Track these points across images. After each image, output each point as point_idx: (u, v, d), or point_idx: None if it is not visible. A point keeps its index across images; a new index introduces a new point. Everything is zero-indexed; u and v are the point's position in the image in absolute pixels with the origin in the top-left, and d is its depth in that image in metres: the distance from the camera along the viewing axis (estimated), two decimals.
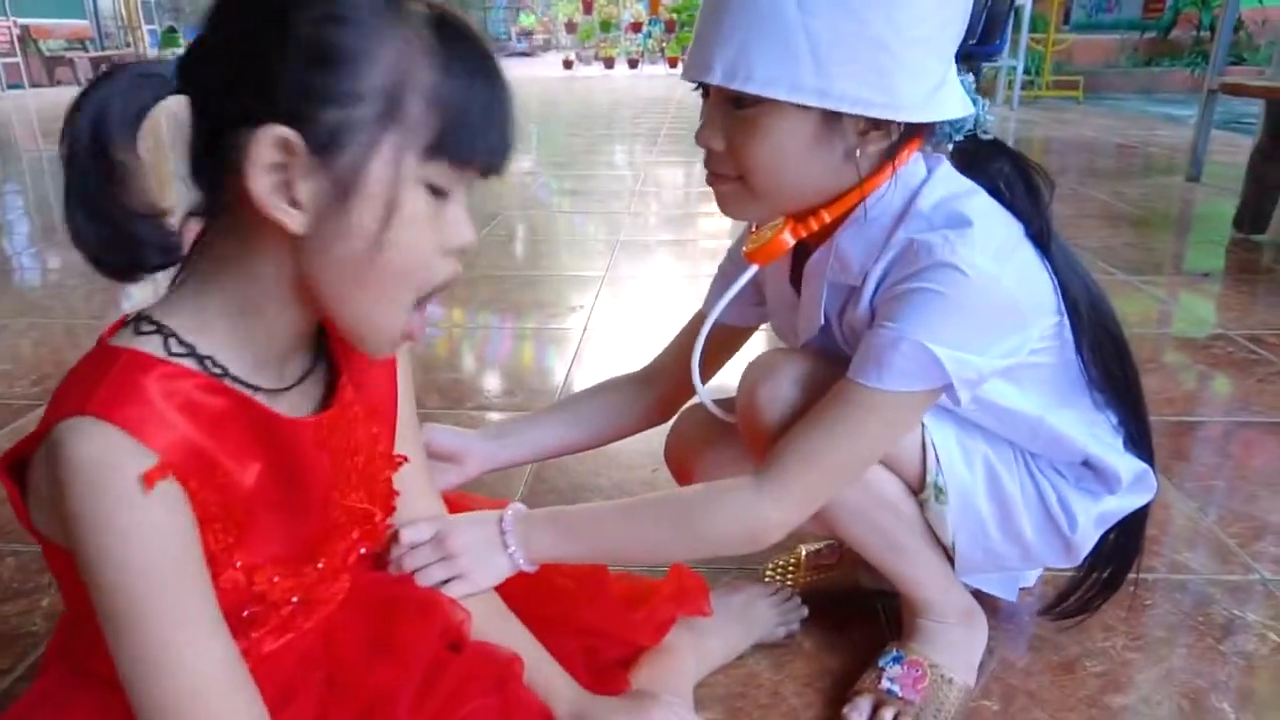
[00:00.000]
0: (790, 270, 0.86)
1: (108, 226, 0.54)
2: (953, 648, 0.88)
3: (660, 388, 1.01)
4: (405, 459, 0.74)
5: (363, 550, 0.70)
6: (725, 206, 0.79)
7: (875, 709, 0.84)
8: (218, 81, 0.52)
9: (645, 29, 14.39)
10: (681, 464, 1.02)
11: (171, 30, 11.49)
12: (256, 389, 0.58)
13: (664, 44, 14.04)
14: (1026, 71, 7.25)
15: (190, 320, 0.56)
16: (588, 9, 14.36)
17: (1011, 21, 6.10)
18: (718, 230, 3.10)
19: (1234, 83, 3.03)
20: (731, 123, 0.72)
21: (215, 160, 0.52)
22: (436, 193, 0.55)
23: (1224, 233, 2.79)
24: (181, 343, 0.55)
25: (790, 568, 1.07)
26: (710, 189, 0.80)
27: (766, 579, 1.04)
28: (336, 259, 0.54)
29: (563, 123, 6.74)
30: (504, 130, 0.56)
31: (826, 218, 0.76)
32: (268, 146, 0.50)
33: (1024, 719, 0.85)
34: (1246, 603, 1.01)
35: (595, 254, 2.67)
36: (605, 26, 14.35)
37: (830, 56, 0.66)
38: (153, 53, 11.66)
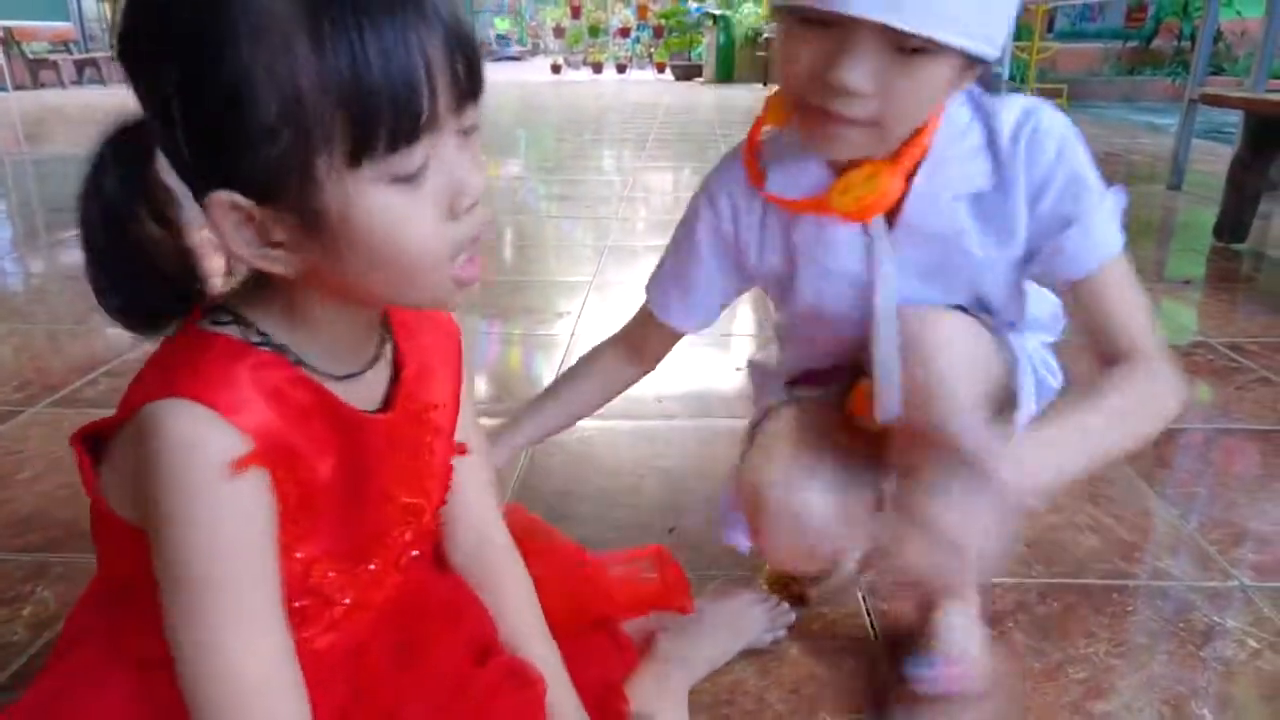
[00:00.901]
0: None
1: (135, 291, 0.54)
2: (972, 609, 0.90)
3: (648, 363, 1.03)
4: (464, 448, 0.73)
5: (415, 553, 0.70)
6: (837, 149, 0.73)
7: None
8: (161, 143, 0.52)
9: (633, 34, 14.43)
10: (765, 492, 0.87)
11: None
12: (329, 376, 0.58)
13: (652, 49, 14.08)
14: (1011, 79, 7.31)
15: (262, 314, 0.56)
16: (576, 14, 14.39)
17: None
18: None
19: (1214, 94, 3.07)
20: (890, 66, 0.66)
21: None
22: (404, 179, 0.51)
23: (1204, 241, 2.83)
24: (259, 332, 0.55)
25: (788, 579, 1.04)
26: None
27: (763, 589, 1.03)
28: (348, 271, 0.53)
29: (551, 127, 6.74)
30: (446, 67, 0.50)
31: (925, 142, 0.75)
32: (221, 213, 0.49)
33: None
34: (1226, 609, 1.03)
35: (583, 259, 2.67)
36: (593, 31, 14.38)
37: (1003, 3, 0.67)
38: None
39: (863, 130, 0.69)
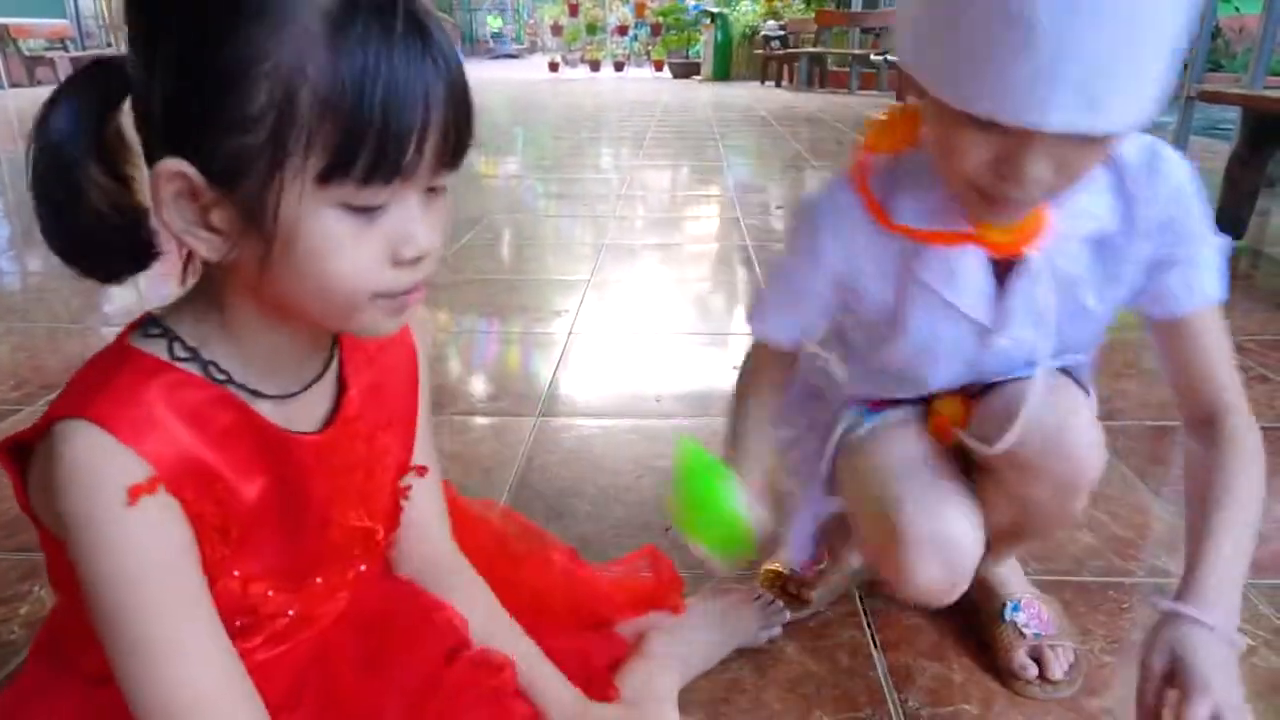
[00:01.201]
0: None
1: (74, 235, 0.53)
2: (1020, 575, 1.00)
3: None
4: (423, 470, 0.73)
5: (363, 567, 0.69)
6: (1010, 220, 0.72)
7: (1037, 657, 0.90)
8: (134, 97, 0.51)
9: (631, 32, 14.42)
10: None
11: None
12: (259, 395, 0.57)
13: (650, 47, 14.07)
14: None
15: (194, 326, 0.56)
16: (573, 12, 14.38)
17: None
18: (704, 234, 3.12)
19: (1211, 90, 3.07)
20: (1071, 151, 0.63)
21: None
22: (361, 210, 0.51)
23: None
24: (186, 347, 0.55)
25: (785, 577, 1.04)
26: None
27: (761, 587, 1.02)
28: (272, 277, 0.52)
29: (548, 126, 6.74)
30: (440, 127, 0.50)
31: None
32: (165, 179, 0.49)
33: None
34: None
35: (581, 258, 2.67)
36: (591, 29, 14.37)
37: (1167, 74, 0.62)
38: None
39: (1038, 204, 0.70)
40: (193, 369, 0.55)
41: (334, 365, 0.64)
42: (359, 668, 0.66)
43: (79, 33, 11.27)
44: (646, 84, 11.34)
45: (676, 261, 2.66)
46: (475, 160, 4.65)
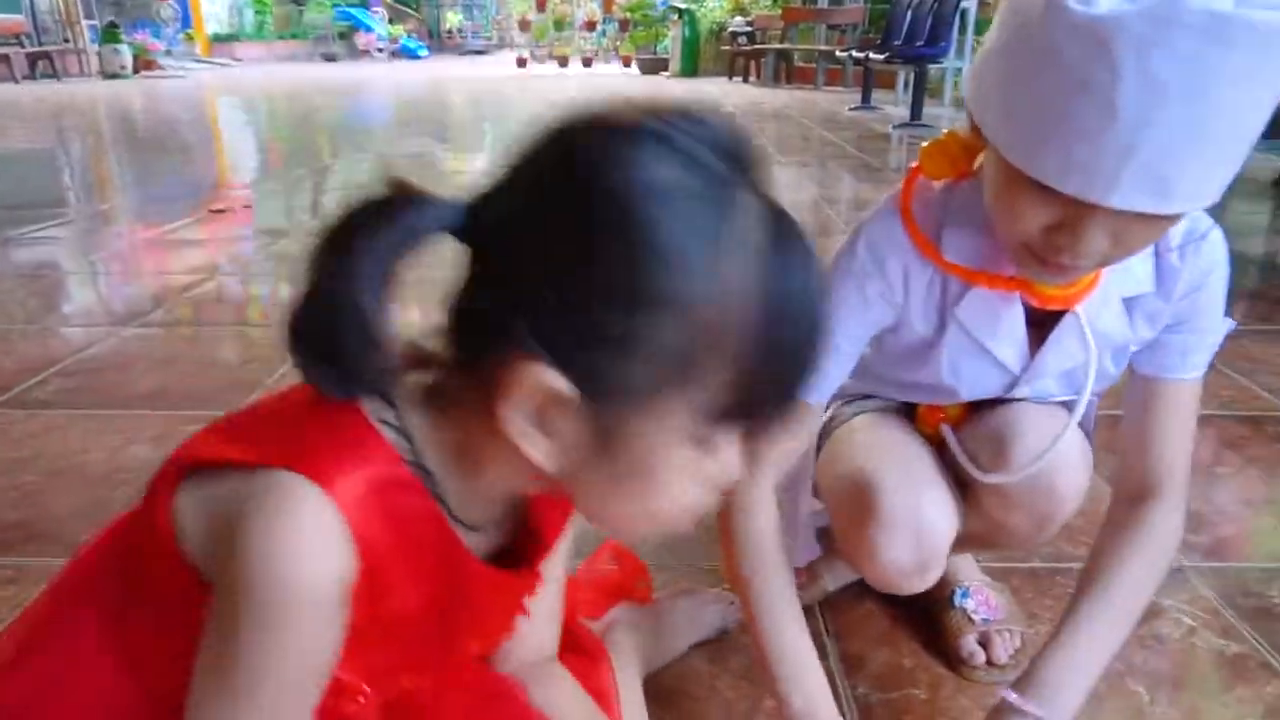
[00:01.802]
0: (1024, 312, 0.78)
1: (331, 361, 0.47)
2: (970, 562, 1.02)
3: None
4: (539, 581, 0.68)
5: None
6: (1062, 279, 0.70)
7: (985, 642, 0.93)
8: (501, 263, 0.45)
9: (599, 28, 14.39)
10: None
11: (113, 26, 11.21)
12: (454, 517, 0.52)
13: (618, 42, 14.05)
14: None
15: (423, 429, 0.50)
16: (541, 7, 14.33)
17: (957, 24, 6.23)
18: None
19: None
20: (1130, 225, 0.61)
21: (478, 335, 0.46)
22: (706, 444, 0.47)
23: None
24: (413, 450, 0.50)
25: None
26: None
27: (725, 587, 1.02)
28: (586, 486, 0.49)
29: (517, 121, 6.71)
30: (804, 378, 0.47)
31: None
32: (525, 379, 0.43)
33: (951, 705, 0.88)
34: (1166, 589, 1.05)
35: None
36: (559, 25, 14.33)
37: (1236, 160, 0.60)
38: (93, 48, 11.39)
39: (1091, 271, 0.69)
40: (414, 471, 0.50)
41: (518, 505, 0.59)
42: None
43: (34, 29, 11.04)
44: (615, 80, 11.33)
45: None
46: (443, 157, 4.63)
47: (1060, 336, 0.76)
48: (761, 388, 0.45)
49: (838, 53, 8.44)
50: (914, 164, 0.75)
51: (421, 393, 0.51)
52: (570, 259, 0.42)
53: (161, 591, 0.51)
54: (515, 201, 0.46)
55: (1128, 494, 0.82)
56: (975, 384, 0.80)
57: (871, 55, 6.35)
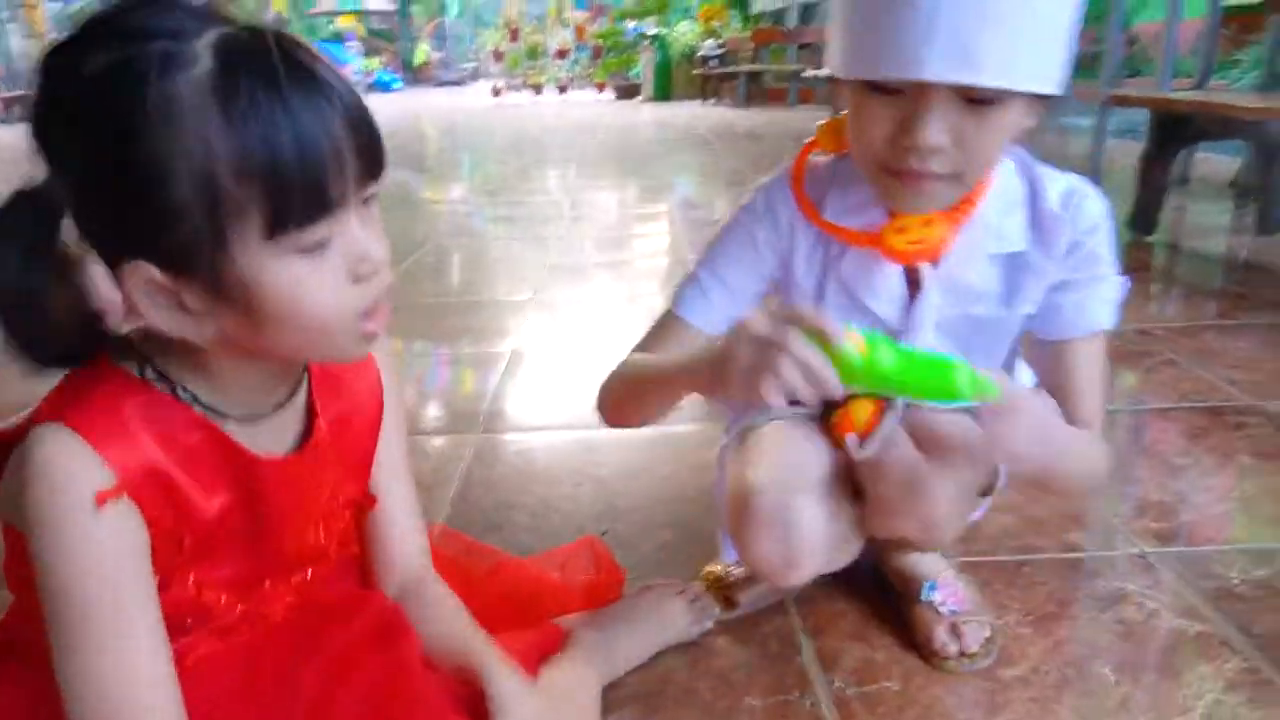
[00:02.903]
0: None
1: (40, 347, 0.56)
2: (935, 556, 1.04)
3: None
4: (373, 501, 0.76)
5: (309, 573, 0.73)
6: (923, 201, 0.78)
7: (954, 632, 0.94)
8: (74, 213, 0.54)
9: (572, 55, 14.50)
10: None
11: None
12: (227, 417, 0.61)
13: (591, 70, 14.17)
14: None
15: (163, 351, 0.59)
16: (514, 37, 14.44)
17: None
18: (650, 251, 3.17)
19: (1121, 94, 3.21)
20: (964, 119, 0.71)
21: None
22: (312, 249, 0.54)
23: (1122, 234, 2.95)
24: (157, 370, 0.59)
25: (725, 579, 1.05)
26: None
27: (700, 587, 1.04)
28: (259, 334, 0.57)
29: (493, 150, 6.77)
30: (349, 148, 0.54)
31: (969, 204, 0.81)
32: (134, 283, 0.53)
33: (922, 695, 0.91)
34: (1128, 575, 1.09)
35: (527, 279, 2.70)
36: (532, 54, 14.43)
37: (1064, 44, 0.71)
38: None
39: (944, 183, 0.75)
40: (164, 389, 0.59)
41: (302, 392, 0.68)
42: (300, 656, 0.68)
43: (8, 73, 11.05)
44: (589, 106, 11.42)
45: (623, 278, 2.70)
46: (420, 186, 4.66)
47: (926, 290, 0.83)
48: (283, 195, 0.52)
49: (808, 72, 8.56)
50: (809, 139, 0.86)
51: (142, 333, 0.59)
52: (91, 176, 0.52)
53: (20, 575, 0.60)
54: (52, 155, 0.54)
55: None
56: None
57: None
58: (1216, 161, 4.10)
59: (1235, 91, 4.04)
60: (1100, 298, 0.85)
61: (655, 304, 2.43)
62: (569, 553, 1.05)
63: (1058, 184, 0.84)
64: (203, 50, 0.51)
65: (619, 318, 2.30)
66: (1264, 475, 1.33)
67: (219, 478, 0.61)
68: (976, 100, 0.70)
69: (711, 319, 0.90)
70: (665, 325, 0.93)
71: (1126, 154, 3.54)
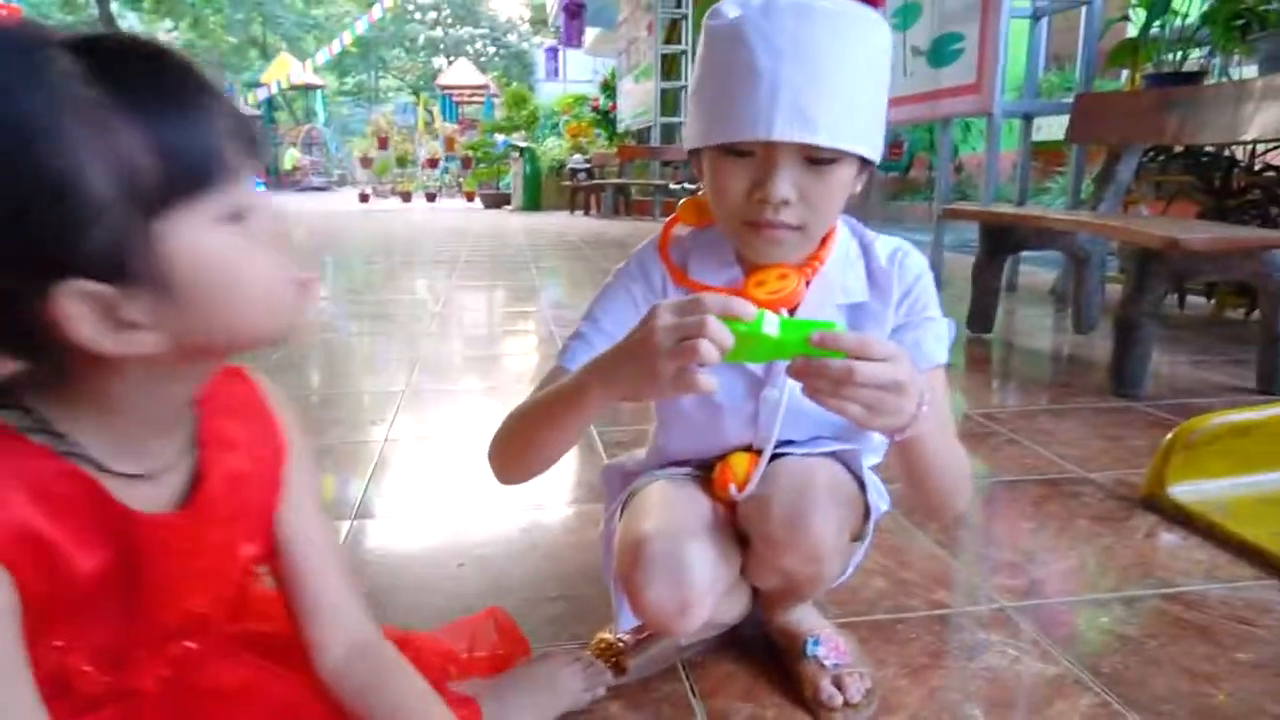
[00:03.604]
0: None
1: None
2: (815, 614, 1.09)
3: None
4: (278, 561, 0.72)
5: (190, 645, 0.68)
6: (777, 251, 0.86)
7: (838, 685, 0.98)
8: None
9: (442, 165, 14.73)
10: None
11: None
12: (111, 473, 0.57)
13: (460, 179, 14.40)
14: None
15: (46, 396, 0.55)
16: (383, 145, 14.55)
17: None
18: (518, 349, 3.19)
19: (952, 209, 3.56)
20: (807, 177, 0.81)
21: (22, 331, 0.51)
22: (232, 217, 0.54)
23: (961, 333, 3.22)
24: (37, 420, 0.55)
25: (616, 646, 1.06)
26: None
27: (591, 655, 1.04)
28: (198, 325, 0.55)
29: (360, 253, 6.70)
30: (221, 113, 0.54)
31: (821, 257, 0.90)
32: (70, 305, 0.49)
33: None
34: (990, 627, 1.16)
35: (395, 372, 2.66)
36: (401, 162, 14.57)
37: (880, 116, 0.83)
38: None
39: (794, 234, 0.84)
40: (41, 440, 0.55)
41: (191, 454, 0.64)
42: None
43: None
44: (459, 213, 11.55)
45: (491, 373, 2.71)
46: None
47: None
48: (191, 164, 0.52)
49: (671, 185, 9.02)
50: (673, 215, 0.96)
51: (27, 376, 0.56)
52: None
53: None
54: None
55: None
56: (730, 390, 0.94)
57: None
58: (1038, 273, 4.56)
59: (1049, 209, 4.54)
60: (933, 336, 0.95)
61: (523, 394, 2.45)
62: (473, 624, 1.02)
63: (885, 245, 0.96)
64: (56, 53, 0.49)
65: (490, 408, 2.30)
66: (1099, 536, 1.45)
67: (96, 533, 0.57)
68: (816, 160, 0.81)
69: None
70: (555, 378, 0.94)
71: (963, 265, 3.90)
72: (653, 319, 0.72)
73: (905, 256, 0.96)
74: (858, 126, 0.81)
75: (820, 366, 0.70)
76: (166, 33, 27.99)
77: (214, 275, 0.54)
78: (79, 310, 0.50)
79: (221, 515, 0.65)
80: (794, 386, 0.81)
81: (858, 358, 0.70)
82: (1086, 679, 1.04)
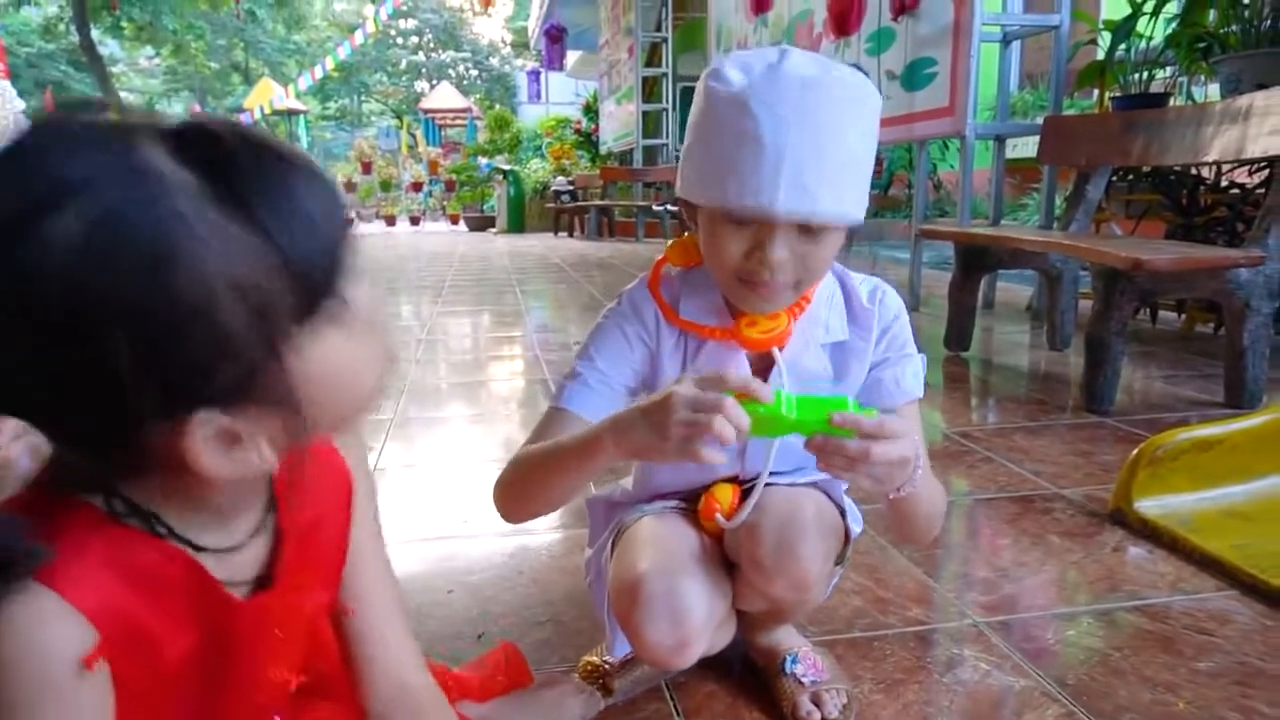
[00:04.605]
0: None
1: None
2: (793, 633, 1.13)
3: None
4: (348, 610, 0.71)
5: (276, 719, 0.66)
6: (770, 304, 0.91)
7: (816, 701, 1.02)
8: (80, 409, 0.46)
9: (426, 188, 14.77)
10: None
11: None
12: (201, 549, 0.55)
13: (445, 202, 14.45)
14: None
15: (135, 482, 0.53)
16: (367, 170, 14.60)
17: None
18: (506, 374, 3.23)
19: (929, 229, 3.64)
20: (802, 241, 0.85)
21: (137, 451, 0.48)
22: (340, 313, 0.51)
23: (939, 351, 3.28)
24: (126, 501, 0.52)
25: (603, 669, 1.09)
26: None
27: (581, 678, 1.08)
28: (302, 423, 0.51)
29: None
30: (336, 228, 0.51)
31: (805, 301, 0.95)
32: (199, 438, 0.47)
33: None
34: (963, 642, 1.20)
35: (384, 401, 2.69)
36: (385, 186, 14.60)
37: (869, 175, 0.87)
38: None
39: (788, 289, 0.89)
40: (134, 523, 0.52)
41: (270, 517, 0.62)
42: None
43: None
44: (444, 237, 11.59)
45: (479, 399, 2.74)
46: None
47: (773, 376, 0.95)
48: (310, 278, 0.49)
49: (654, 207, 9.10)
50: (661, 256, 1.00)
51: (124, 470, 0.52)
52: (124, 344, 0.43)
53: None
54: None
55: None
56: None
57: None
58: (1015, 290, 4.65)
59: (1020, 228, 4.63)
60: (911, 372, 1.01)
61: (510, 420, 2.50)
62: (490, 660, 1.05)
63: (864, 285, 1.02)
64: (166, 165, 0.45)
65: (478, 434, 2.33)
66: (1069, 551, 1.50)
67: (189, 614, 0.55)
68: (812, 229, 0.85)
69: (594, 407, 0.97)
70: (553, 419, 0.99)
71: (940, 283, 3.98)
72: (675, 388, 0.75)
73: (884, 295, 1.01)
74: (854, 196, 0.85)
75: (838, 446, 0.75)
76: (148, 60, 28.04)
77: (333, 380, 0.52)
78: (205, 439, 0.47)
79: (306, 578, 0.64)
80: (788, 380, 0.89)
81: (872, 436, 0.75)
82: (1054, 690, 1.08)
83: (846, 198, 0.84)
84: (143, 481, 0.53)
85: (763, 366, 0.97)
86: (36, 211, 0.42)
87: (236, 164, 0.47)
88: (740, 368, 0.97)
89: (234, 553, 0.58)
